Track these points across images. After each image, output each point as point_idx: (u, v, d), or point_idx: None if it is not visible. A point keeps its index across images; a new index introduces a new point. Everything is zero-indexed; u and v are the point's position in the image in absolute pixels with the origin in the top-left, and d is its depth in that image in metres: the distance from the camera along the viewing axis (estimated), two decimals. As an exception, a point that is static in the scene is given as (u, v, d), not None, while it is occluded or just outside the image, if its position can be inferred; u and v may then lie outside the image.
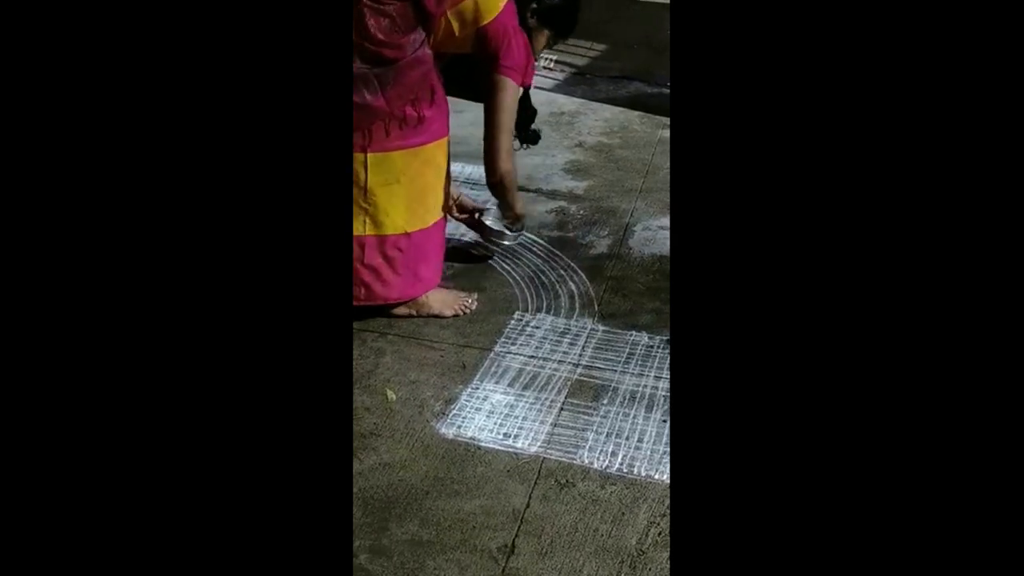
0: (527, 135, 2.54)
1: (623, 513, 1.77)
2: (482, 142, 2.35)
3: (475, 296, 2.40)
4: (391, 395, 2.07)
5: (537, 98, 3.68)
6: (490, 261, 2.60)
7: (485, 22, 2.19)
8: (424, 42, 2.16)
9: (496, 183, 2.37)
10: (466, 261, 2.61)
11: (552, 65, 4.03)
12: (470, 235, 2.71)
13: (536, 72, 3.91)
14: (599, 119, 3.54)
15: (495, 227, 2.55)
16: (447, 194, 2.38)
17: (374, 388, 2.10)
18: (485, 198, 2.91)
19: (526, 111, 2.47)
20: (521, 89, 2.32)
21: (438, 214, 2.30)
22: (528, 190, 2.99)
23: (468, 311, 2.36)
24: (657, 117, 3.54)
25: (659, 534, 1.72)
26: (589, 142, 3.35)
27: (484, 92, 2.29)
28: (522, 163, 3.16)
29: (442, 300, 2.35)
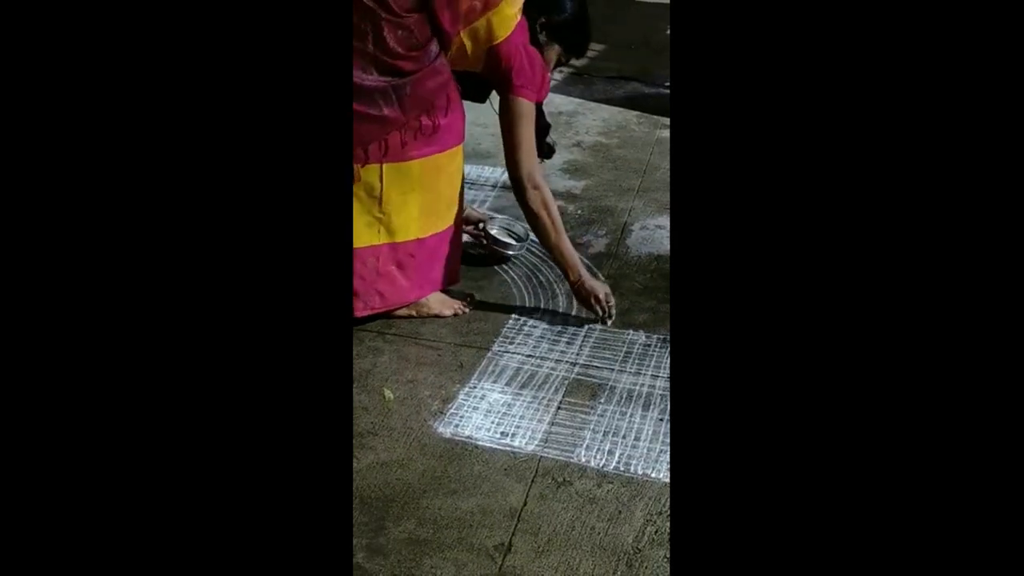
0: (541, 148, 2.47)
1: (620, 511, 1.77)
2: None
3: (473, 296, 2.41)
4: (389, 394, 2.08)
5: (535, 98, 3.70)
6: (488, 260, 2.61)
7: (497, 41, 2.16)
8: (440, 53, 2.15)
9: (525, 204, 2.24)
10: (464, 262, 2.61)
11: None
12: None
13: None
14: (597, 119, 3.55)
15: (500, 237, 2.55)
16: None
17: (372, 387, 2.10)
18: (473, 195, 2.93)
19: (539, 125, 2.40)
20: (534, 107, 2.27)
21: (451, 220, 2.30)
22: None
23: (467, 311, 2.37)
24: (655, 117, 3.55)
25: (656, 532, 1.72)
26: (587, 142, 3.36)
27: (500, 113, 2.24)
28: (520, 163, 3.17)
29: (441, 300, 2.36)
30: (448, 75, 2.18)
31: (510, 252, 2.57)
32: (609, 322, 2.30)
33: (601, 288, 2.30)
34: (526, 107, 2.21)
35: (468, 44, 2.17)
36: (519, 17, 2.18)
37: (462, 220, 2.38)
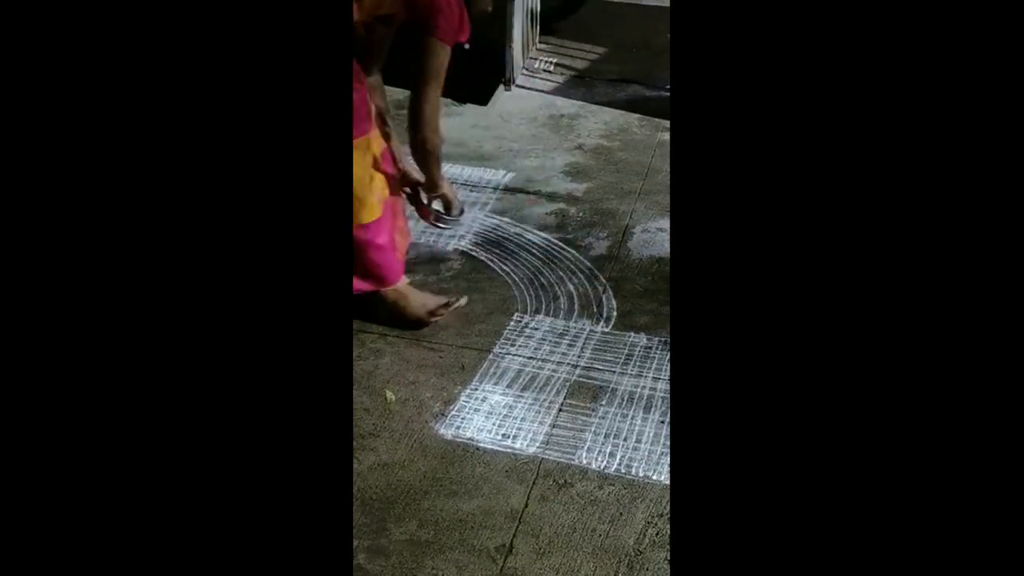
0: (493, 87, 2.42)
1: (621, 513, 1.78)
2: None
3: (464, 299, 2.36)
4: (390, 396, 2.08)
5: (536, 101, 3.71)
6: (489, 262, 2.61)
7: None
8: None
9: (418, 146, 2.26)
10: (467, 262, 2.61)
11: (552, 68, 4.03)
12: (469, 236, 2.72)
13: (535, 75, 3.95)
14: (598, 122, 3.55)
15: (437, 207, 2.51)
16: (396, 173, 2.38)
17: (373, 389, 2.10)
18: (475, 198, 2.93)
19: (492, 67, 2.38)
20: (449, 50, 2.23)
21: (372, 213, 2.19)
22: (528, 192, 3.00)
23: (448, 311, 2.30)
24: (656, 120, 3.54)
25: (657, 534, 1.73)
26: (588, 145, 3.36)
27: (417, 57, 2.19)
28: (521, 165, 3.17)
29: (423, 304, 2.30)
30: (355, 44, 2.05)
31: (442, 225, 2.53)
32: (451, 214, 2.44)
33: (453, 195, 2.42)
34: (442, 50, 2.18)
35: None
36: None
37: (391, 215, 2.29)
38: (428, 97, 2.20)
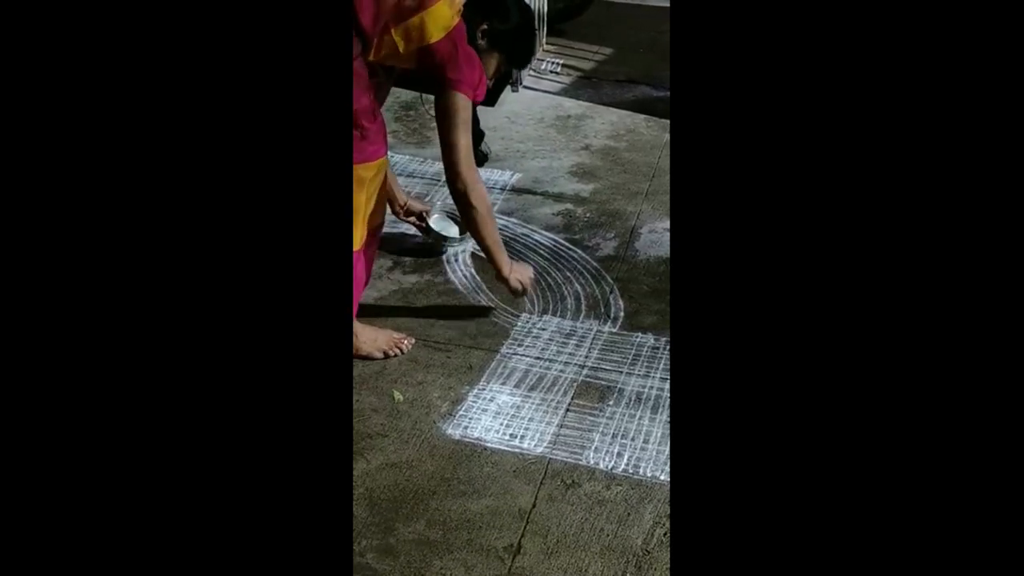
0: (476, 155, 2.36)
1: (629, 513, 1.78)
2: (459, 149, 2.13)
3: (412, 340, 2.27)
4: (398, 396, 2.09)
5: (543, 102, 3.71)
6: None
7: (430, 41, 2.04)
8: (359, 56, 2.00)
9: (461, 204, 2.18)
10: (474, 262, 2.62)
11: (559, 69, 4.04)
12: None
13: (542, 76, 3.95)
14: (605, 122, 3.55)
15: (437, 228, 2.62)
16: (394, 198, 2.46)
17: (381, 389, 2.11)
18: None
19: (474, 132, 2.29)
20: (471, 104, 2.14)
21: (360, 241, 2.08)
22: (535, 193, 3.00)
23: (403, 352, 2.24)
24: (663, 121, 3.54)
25: (665, 534, 1.73)
26: (595, 145, 3.36)
27: (436, 112, 2.14)
28: (528, 166, 3.18)
29: (373, 340, 2.21)
30: (364, 79, 2.02)
31: (450, 246, 2.65)
32: (524, 296, 2.37)
33: (526, 273, 2.33)
34: (462, 103, 2.10)
35: (400, 43, 2.04)
36: (457, 19, 2.08)
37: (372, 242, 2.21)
38: (458, 155, 2.11)
